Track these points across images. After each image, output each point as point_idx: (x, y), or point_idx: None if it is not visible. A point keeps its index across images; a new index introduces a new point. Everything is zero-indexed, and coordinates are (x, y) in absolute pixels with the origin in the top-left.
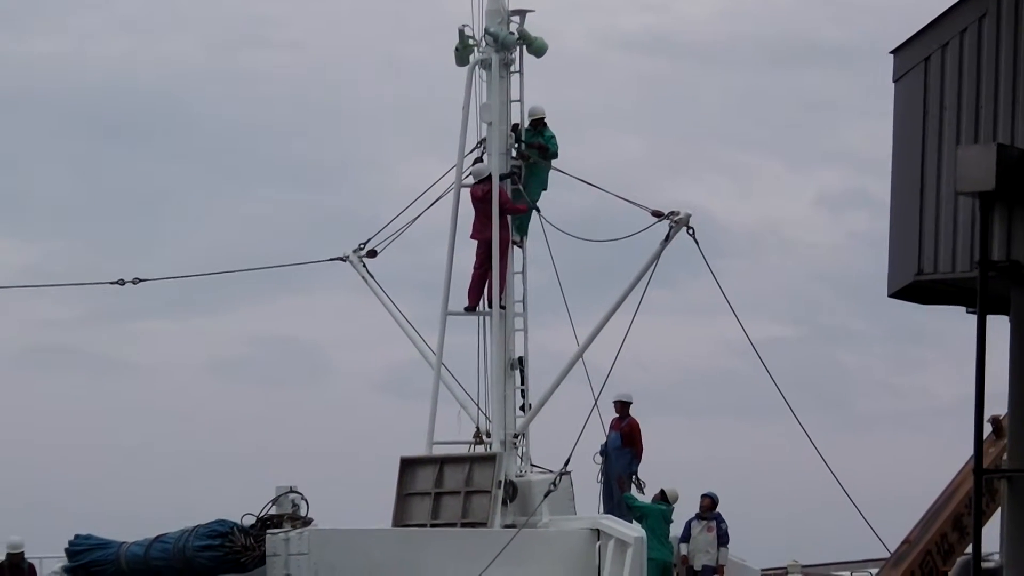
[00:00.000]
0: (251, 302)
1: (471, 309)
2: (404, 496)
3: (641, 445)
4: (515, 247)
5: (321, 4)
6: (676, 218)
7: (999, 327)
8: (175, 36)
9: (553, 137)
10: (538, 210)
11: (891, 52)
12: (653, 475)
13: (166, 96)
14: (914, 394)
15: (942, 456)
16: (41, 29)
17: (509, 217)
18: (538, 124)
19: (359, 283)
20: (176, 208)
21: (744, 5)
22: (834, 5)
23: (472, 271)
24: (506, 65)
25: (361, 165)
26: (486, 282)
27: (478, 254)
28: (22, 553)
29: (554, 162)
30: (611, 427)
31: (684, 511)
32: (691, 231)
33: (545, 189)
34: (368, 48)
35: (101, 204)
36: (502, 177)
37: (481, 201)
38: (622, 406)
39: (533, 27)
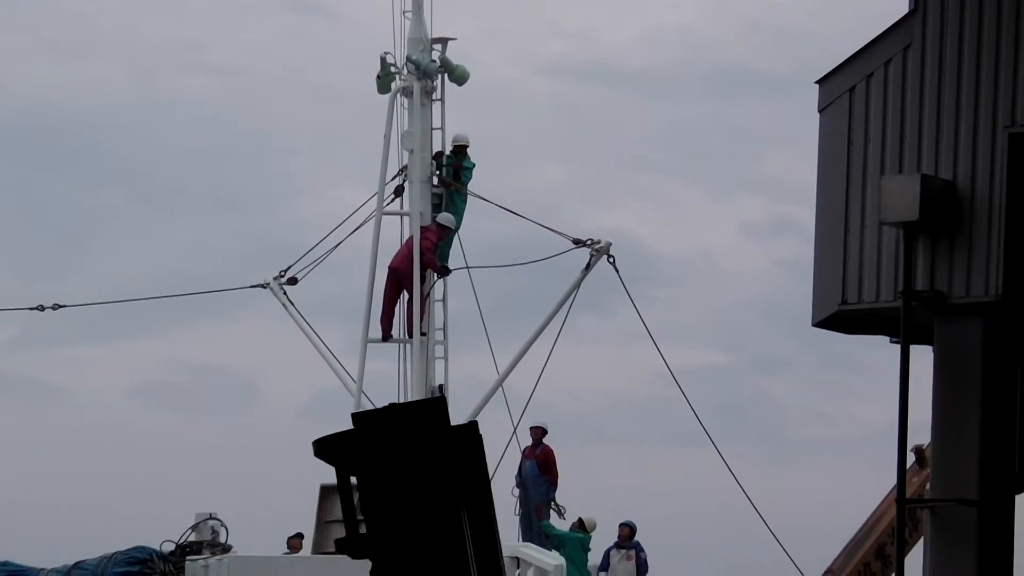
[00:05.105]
0: (176, 327)
1: (385, 338)
2: (324, 523)
3: (557, 471)
4: (435, 276)
5: (248, 30)
6: (596, 246)
7: (923, 357)
8: (101, 60)
9: (471, 168)
10: (448, 272)
11: (816, 82)
12: (579, 502)
13: (91, 121)
14: (842, 422)
15: (867, 484)
16: None
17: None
18: (460, 152)
19: (284, 309)
20: (102, 233)
21: (666, 33)
22: (758, 33)
23: (383, 301)
24: (428, 93)
25: (287, 191)
26: (395, 311)
27: (388, 283)
28: None
29: (476, 189)
30: (524, 455)
31: (603, 540)
32: (611, 259)
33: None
34: (294, 74)
35: (26, 229)
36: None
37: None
38: (540, 433)
39: (455, 55)
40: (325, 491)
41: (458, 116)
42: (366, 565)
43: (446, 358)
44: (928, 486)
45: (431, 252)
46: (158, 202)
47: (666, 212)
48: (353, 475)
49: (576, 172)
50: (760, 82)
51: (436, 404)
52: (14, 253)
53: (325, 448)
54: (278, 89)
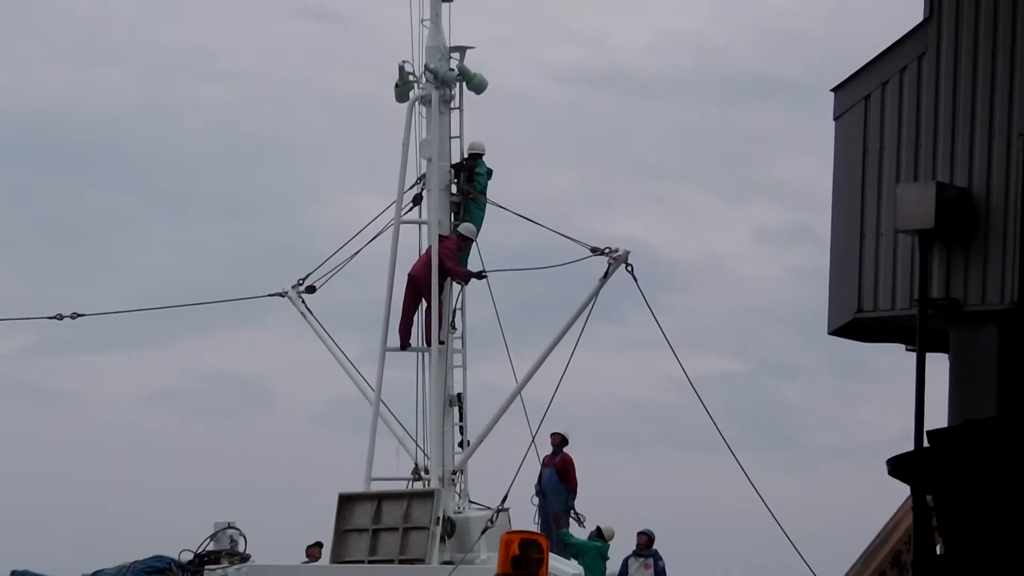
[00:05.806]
0: (192, 335)
1: (403, 347)
2: (342, 532)
3: (576, 480)
4: (453, 283)
5: (260, 36)
6: (614, 255)
7: (939, 364)
8: (114, 67)
9: (484, 174)
10: (469, 277)
11: (832, 90)
12: (595, 510)
13: (104, 127)
14: (856, 429)
15: (883, 492)
16: None
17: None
18: (475, 158)
19: (300, 317)
20: (117, 239)
21: (678, 38)
22: (771, 39)
23: (402, 310)
24: (446, 101)
25: (300, 198)
26: (413, 320)
27: (407, 292)
28: None
29: (492, 196)
30: (543, 464)
31: (621, 548)
32: (630, 268)
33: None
34: (307, 81)
35: (41, 235)
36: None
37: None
38: (559, 440)
39: (472, 63)
40: (344, 500)
41: (474, 124)
42: (383, 575)
43: (464, 366)
44: None
45: (452, 261)
46: (171, 209)
47: (679, 218)
48: (929, 493)
49: (588, 178)
50: (772, 88)
51: (1016, 419)
52: (28, 259)
53: (901, 466)
54: (291, 96)
